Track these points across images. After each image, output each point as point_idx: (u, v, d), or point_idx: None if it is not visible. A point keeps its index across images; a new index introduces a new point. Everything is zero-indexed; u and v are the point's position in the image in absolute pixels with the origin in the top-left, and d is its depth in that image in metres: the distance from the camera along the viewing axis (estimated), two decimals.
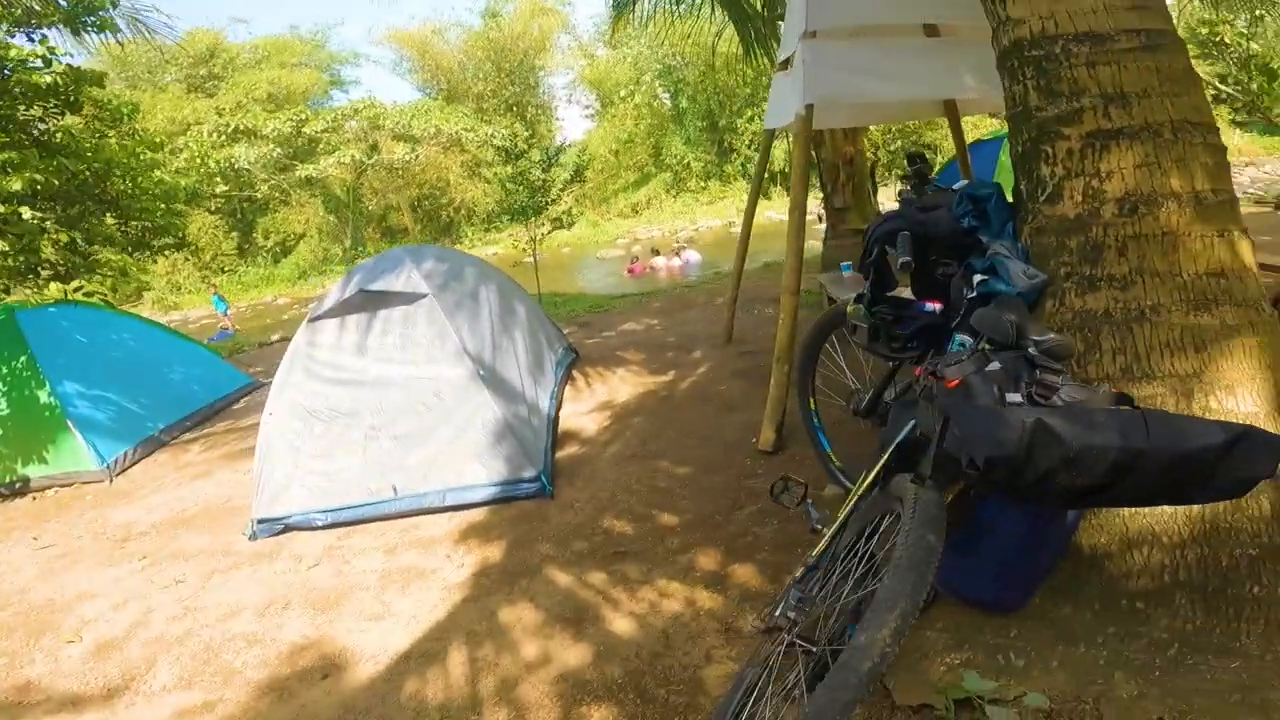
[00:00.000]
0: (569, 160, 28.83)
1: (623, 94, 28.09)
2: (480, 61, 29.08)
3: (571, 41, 31.33)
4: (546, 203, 9.89)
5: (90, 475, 5.18)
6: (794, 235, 3.99)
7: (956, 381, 1.67)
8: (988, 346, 1.84)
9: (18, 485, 5.21)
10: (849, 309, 2.53)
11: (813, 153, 6.70)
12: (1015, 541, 1.93)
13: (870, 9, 3.81)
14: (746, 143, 26.90)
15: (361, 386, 3.86)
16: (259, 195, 24.60)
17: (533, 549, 3.30)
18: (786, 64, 4.49)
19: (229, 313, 17.19)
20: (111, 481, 5.14)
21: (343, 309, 4.05)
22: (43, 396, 5.31)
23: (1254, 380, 1.96)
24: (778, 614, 1.65)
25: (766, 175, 25.48)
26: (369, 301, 4.05)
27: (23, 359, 5.44)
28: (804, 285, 4.15)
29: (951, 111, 4.88)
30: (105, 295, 6.13)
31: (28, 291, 6.01)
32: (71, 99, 6.80)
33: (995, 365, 1.69)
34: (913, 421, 1.92)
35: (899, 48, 4.08)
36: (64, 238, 6.66)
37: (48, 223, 6.62)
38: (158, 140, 7.14)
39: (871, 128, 15.57)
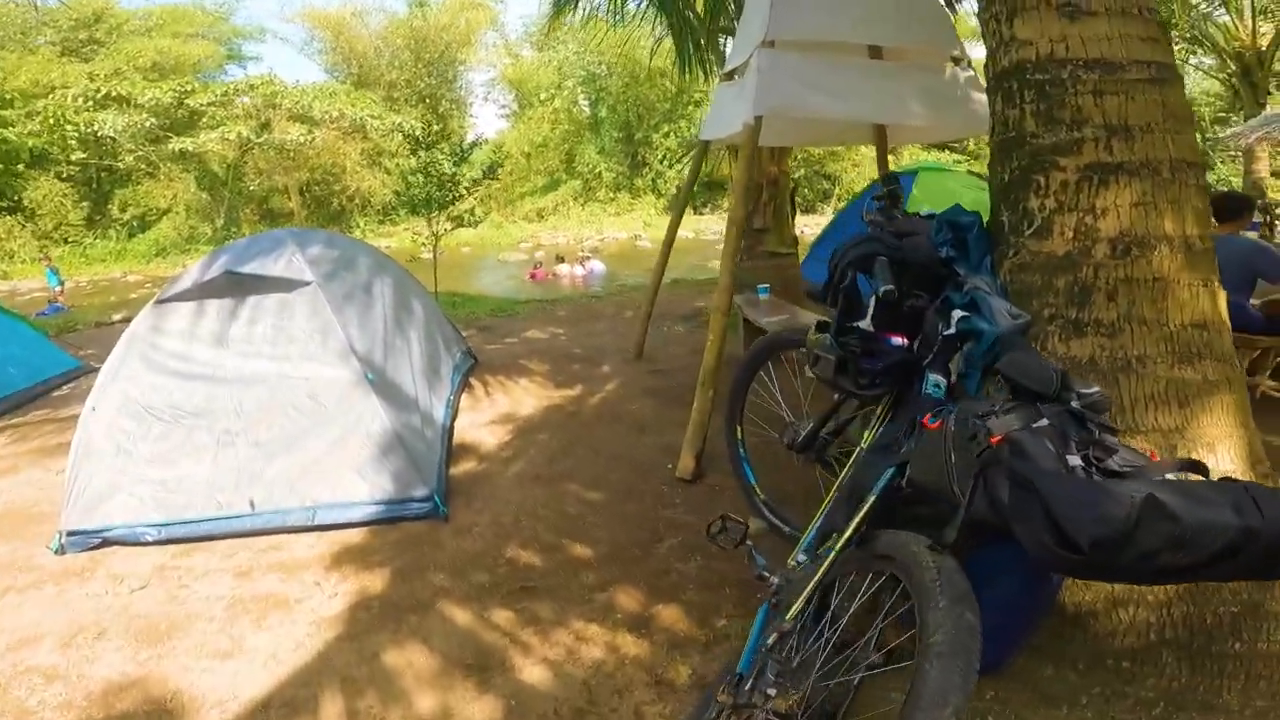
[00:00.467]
0: (479, 158, 27.99)
1: (543, 97, 27.65)
2: (399, 49, 27.77)
3: (498, 39, 30.55)
4: (453, 198, 9.37)
5: None
6: (729, 253, 3.77)
7: (999, 438, 1.41)
8: (1000, 392, 1.61)
9: None
10: (810, 337, 2.29)
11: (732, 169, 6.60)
12: (1007, 600, 1.73)
13: (830, 23, 3.68)
14: (660, 157, 27.14)
15: (217, 383, 3.28)
16: (121, 166, 22.16)
17: (424, 579, 2.83)
18: (732, 75, 4.32)
19: (62, 287, 15.22)
20: None
21: (200, 292, 3.45)
22: None
23: (1231, 438, 1.88)
24: (748, 687, 1.35)
25: (678, 190, 26.33)
26: (236, 285, 3.47)
27: None
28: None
29: (881, 138, 4.87)
30: None
31: None
32: None
33: (1044, 421, 1.46)
34: (890, 469, 1.69)
35: (847, 66, 3.99)
36: None
37: None
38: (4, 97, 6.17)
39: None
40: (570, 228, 24.82)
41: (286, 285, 3.47)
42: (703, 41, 6.89)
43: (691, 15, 6.80)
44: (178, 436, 3.17)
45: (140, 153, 21.27)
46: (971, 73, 4.02)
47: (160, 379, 3.24)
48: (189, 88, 21.02)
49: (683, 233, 20.41)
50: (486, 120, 56.27)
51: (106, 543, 3.08)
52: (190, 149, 20.40)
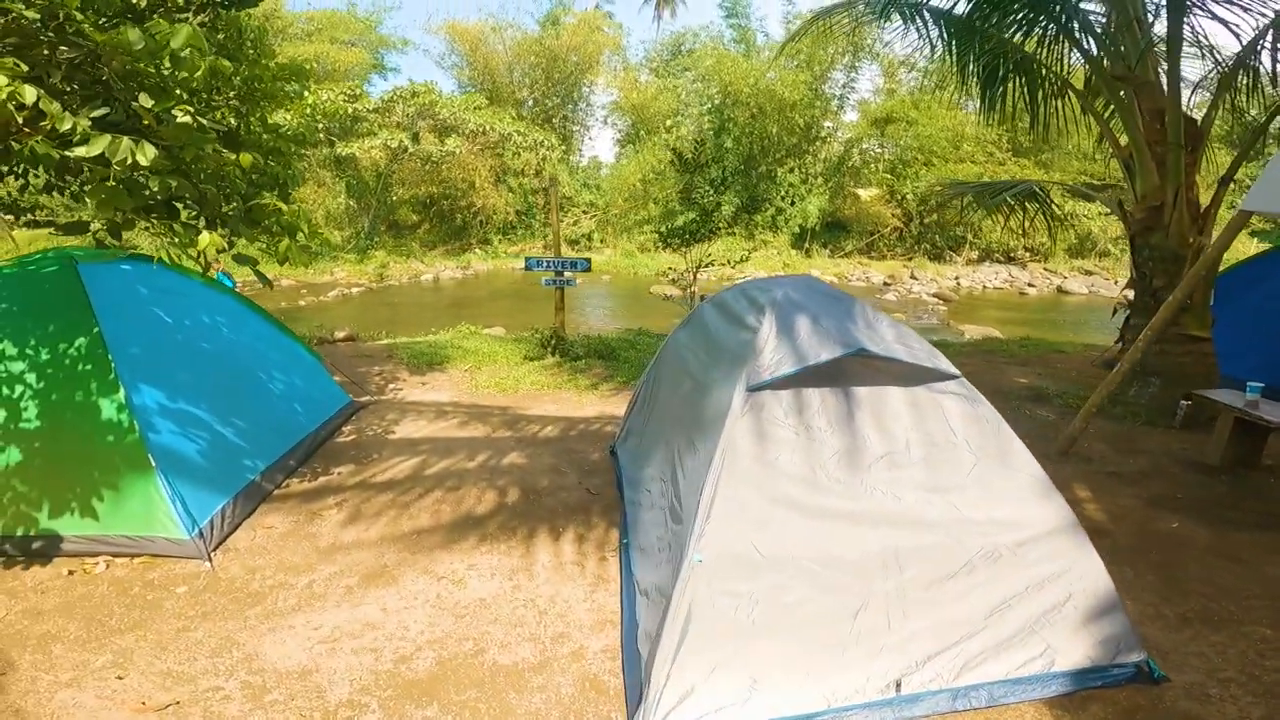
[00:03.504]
0: (604, 183, 27.74)
1: (669, 124, 27.11)
2: (531, 67, 27.84)
3: (619, 63, 30.31)
4: (713, 229, 8.31)
5: (169, 546, 3.25)
6: (1149, 334, 2.95)
7: None
8: None
9: (36, 546, 3.22)
10: None
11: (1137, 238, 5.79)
12: None
13: None
14: (781, 194, 26.17)
15: (857, 523, 2.37)
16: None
17: None
18: None
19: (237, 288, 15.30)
20: (210, 562, 3.26)
21: (802, 380, 2.54)
22: (108, 408, 3.40)
23: None
24: None
25: (809, 232, 25.26)
26: (841, 372, 2.57)
27: (82, 341, 3.54)
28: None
29: None
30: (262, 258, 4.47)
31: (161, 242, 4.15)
32: None
33: None
34: None
35: None
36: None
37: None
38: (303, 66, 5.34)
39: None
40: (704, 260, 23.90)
41: (921, 376, 2.59)
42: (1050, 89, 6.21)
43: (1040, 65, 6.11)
44: (801, 597, 2.27)
45: (302, 155, 21.63)
46: None
47: (777, 512, 2.35)
48: (357, 91, 21.24)
49: (875, 276, 19.15)
50: (603, 145, 56.33)
51: None
52: (355, 153, 20.57)
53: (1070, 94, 6.32)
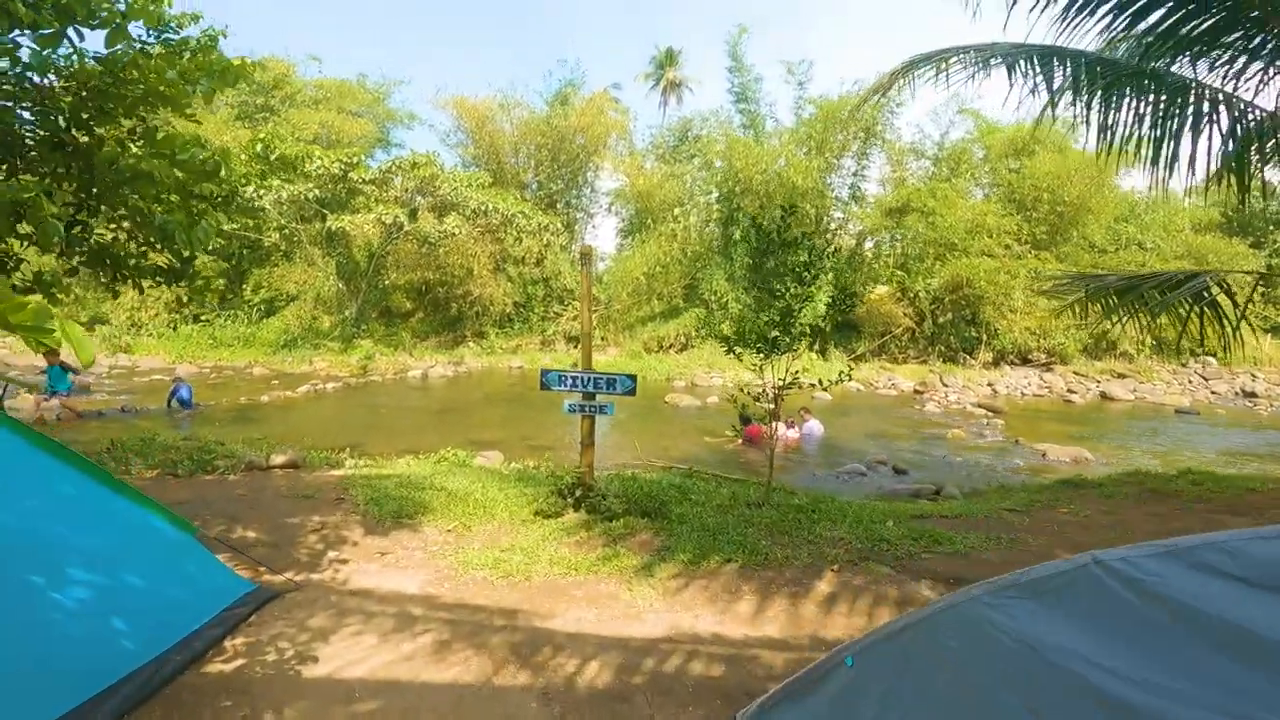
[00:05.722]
0: (609, 275, 26.42)
1: (676, 212, 25.98)
2: (537, 147, 27.07)
3: (625, 148, 29.56)
4: (796, 335, 5.51)
5: None
6: None
7: None
8: None
9: None
10: None
11: None
12: None
13: None
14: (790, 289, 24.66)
15: None
16: (265, 242, 21.02)
17: None
18: None
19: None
20: None
21: None
22: None
23: None
24: None
25: (821, 332, 23.44)
26: None
27: None
28: None
29: None
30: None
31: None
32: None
33: None
34: None
35: None
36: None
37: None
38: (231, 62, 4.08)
39: None
40: (707, 363, 21.73)
41: None
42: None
43: None
44: None
45: (289, 229, 20.13)
46: None
47: None
48: (354, 160, 19.94)
49: (961, 397, 17.11)
50: (605, 235, 55.10)
51: None
52: (348, 228, 19.00)
53: None
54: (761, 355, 5.78)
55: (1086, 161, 22.86)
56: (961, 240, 22.42)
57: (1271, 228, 31.81)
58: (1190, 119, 4.67)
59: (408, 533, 5.21)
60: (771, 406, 5.87)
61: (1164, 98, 4.69)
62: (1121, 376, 20.83)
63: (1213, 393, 19.04)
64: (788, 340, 5.75)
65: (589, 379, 5.54)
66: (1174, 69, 4.83)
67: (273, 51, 29.91)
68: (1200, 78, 4.80)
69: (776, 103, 67.78)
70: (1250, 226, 31.76)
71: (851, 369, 6.80)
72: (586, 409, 5.64)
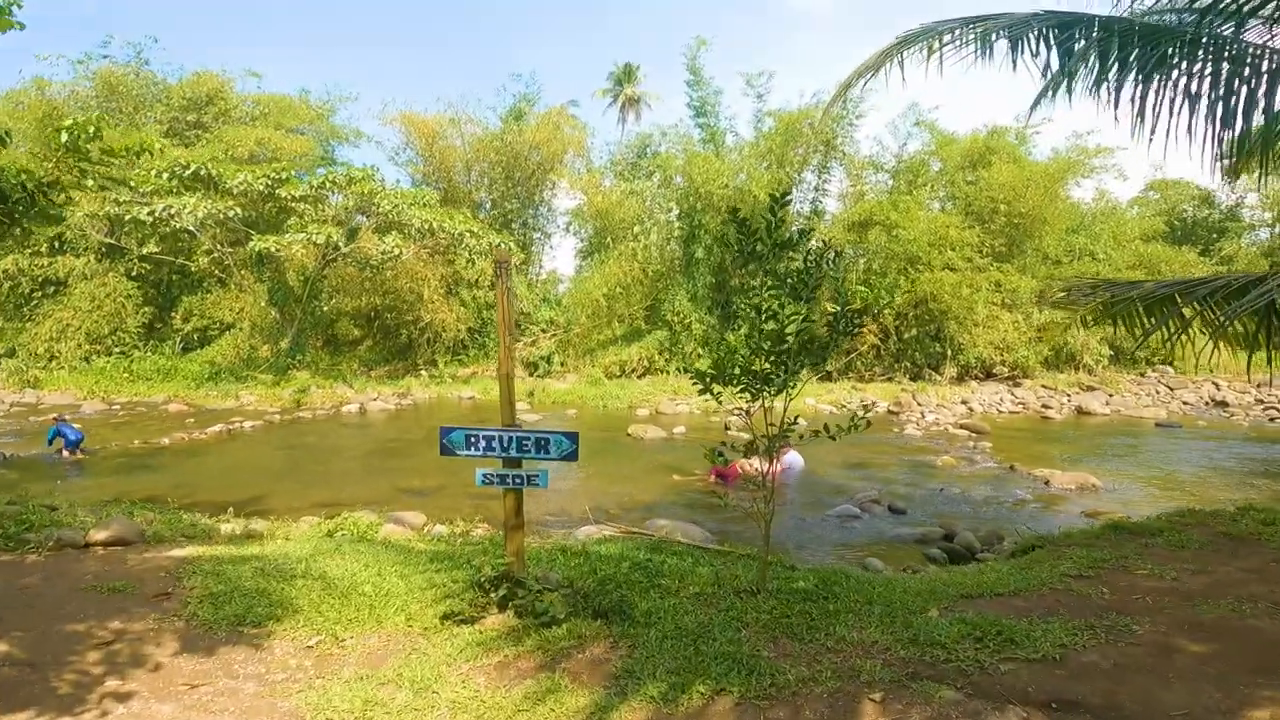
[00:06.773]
0: (568, 298, 25.29)
1: (636, 230, 24.94)
2: (491, 165, 25.89)
3: (583, 165, 28.51)
4: (794, 367, 4.24)
5: None
6: None
7: None
8: None
9: None
10: None
11: None
12: None
13: None
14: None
15: None
16: (194, 268, 19.34)
17: None
18: None
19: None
20: None
21: None
22: None
23: None
24: None
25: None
26: None
27: None
28: None
29: None
30: None
31: None
32: None
33: None
34: None
35: None
36: None
37: None
38: None
39: None
40: (673, 389, 20.47)
41: None
42: None
43: None
44: None
45: (217, 253, 18.49)
46: None
47: None
48: (282, 175, 18.26)
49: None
50: (564, 256, 53.33)
51: None
52: (274, 250, 17.31)
53: None
54: (748, 397, 4.47)
55: (1040, 172, 22.74)
56: (925, 254, 21.91)
57: (1214, 235, 32.38)
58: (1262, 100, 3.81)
59: (245, 650, 3.82)
60: (760, 464, 4.64)
61: (1231, 68, 3.81)
62: (1091, 389, 20.41)
63: (1184, 403, 18.69)
64: (782, 376, 4.42)
65: (510, 440, 4.12)
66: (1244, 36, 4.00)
67: (205, 65, 28.18)
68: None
69: (736, 116, 67.64)
70: (1194, 235, 32.29)
71: (870, 409, 5.67)
72: (509, 480, 4.21)
